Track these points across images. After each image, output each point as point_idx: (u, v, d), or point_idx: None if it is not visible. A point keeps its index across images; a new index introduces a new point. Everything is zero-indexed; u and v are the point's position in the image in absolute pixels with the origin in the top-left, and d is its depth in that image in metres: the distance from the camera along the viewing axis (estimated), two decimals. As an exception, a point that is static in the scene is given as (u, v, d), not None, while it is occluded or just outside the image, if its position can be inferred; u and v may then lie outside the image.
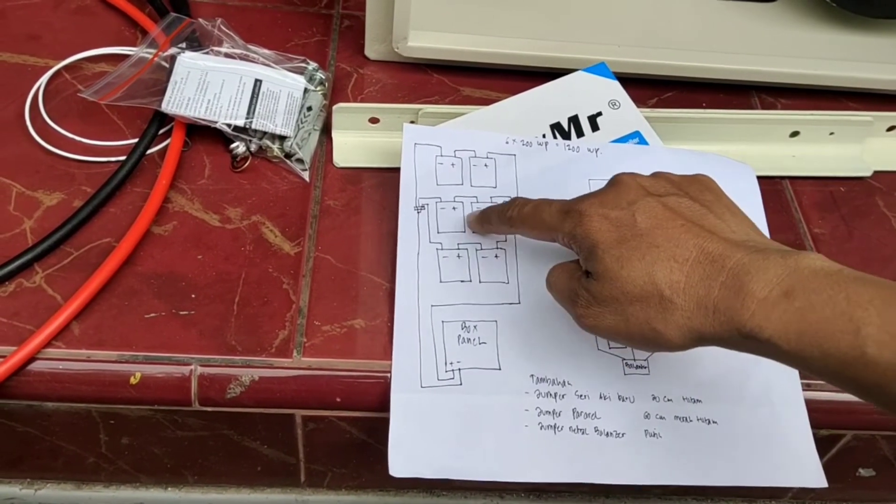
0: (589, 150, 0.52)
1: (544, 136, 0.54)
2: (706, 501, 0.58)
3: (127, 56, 0.56)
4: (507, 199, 0.47)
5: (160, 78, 0.54)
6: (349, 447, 0.50)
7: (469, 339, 0.46)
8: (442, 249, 0.49)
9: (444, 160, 0.51)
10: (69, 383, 0.44)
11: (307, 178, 0.53)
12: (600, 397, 0.46)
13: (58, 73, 0.57)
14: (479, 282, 0.48)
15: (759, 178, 0.54)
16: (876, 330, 0.31)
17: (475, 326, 0.47)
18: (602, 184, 0.42)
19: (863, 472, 0.55)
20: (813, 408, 0.47)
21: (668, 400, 0.46)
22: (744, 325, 0.34)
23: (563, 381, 0.46)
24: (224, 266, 0.48)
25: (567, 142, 0.53)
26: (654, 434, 0.45)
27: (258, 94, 0.54)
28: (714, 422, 0.46)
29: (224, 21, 0.57)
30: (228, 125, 0.53)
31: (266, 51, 0.57)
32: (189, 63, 0.54)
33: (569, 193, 0.43)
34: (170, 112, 0.53)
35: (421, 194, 0.50)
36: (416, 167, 0.51)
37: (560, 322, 0.47)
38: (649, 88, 0.61)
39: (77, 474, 0.53)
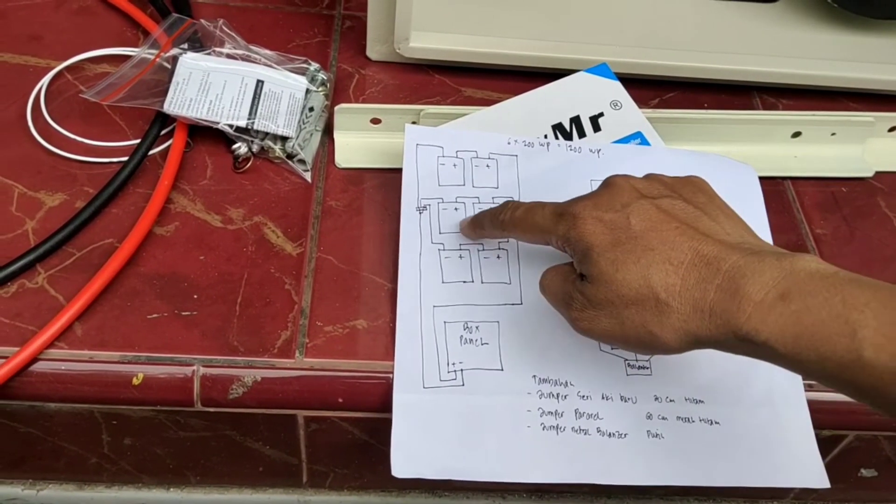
0: (591, 150, 0.53)
1: (546, 136, 0.54)
2: (708, 502, 0.58)
3: (129, 57, 0.56)
4: (500, 203, 0.46)
5: (162, 79, 0.54)
6: (351, 448, 0.50)
7: (471, 340, 0.46)
8: (444, 250, 0.49)
9: (445, 161, 0.51)
10: (71, 384, 0.44)
11: (309, 179, 0.53)
12: (602, 398, 0.46)
13: (60, 73, 0.57)
14: (482, 282, 0.48)
15: (760, 178, 0.54)
16: (872, 333, 0.31)
17: (477, 327, 0.47)
18: (603, 185, 0.42)
19: (865, 472, 0.55)
20: (815, 408, 0.47)
21: (671, 401, 0.46)
22: (740, 329, 0.34)
23: (566, 382, 0.46)
24: (226, 267, 0.48)
25: (569, 142, 0.53)
26: (657, 435, 0.45)
27: (260, 95, 0.54)
28: (716, 422, 0.46)
29: (226, 22, 0.57)
30: (230, 126, 0.53)
31: (268, 51, 0.57)
32: (191, 64, 0.54)
33: (570, 194, 0.43)
34: (172, 113, 0.53)
35: (423, 195, 0.50)
36: (418, 168, 0.51)
37: (562, 323, 0.47)
38: (651, 89, 0.61)
39: (79, 475, 0.53)
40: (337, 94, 0.59)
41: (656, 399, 0.46)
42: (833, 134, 0.59)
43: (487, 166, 0.52)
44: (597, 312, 0.38)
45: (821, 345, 0.32)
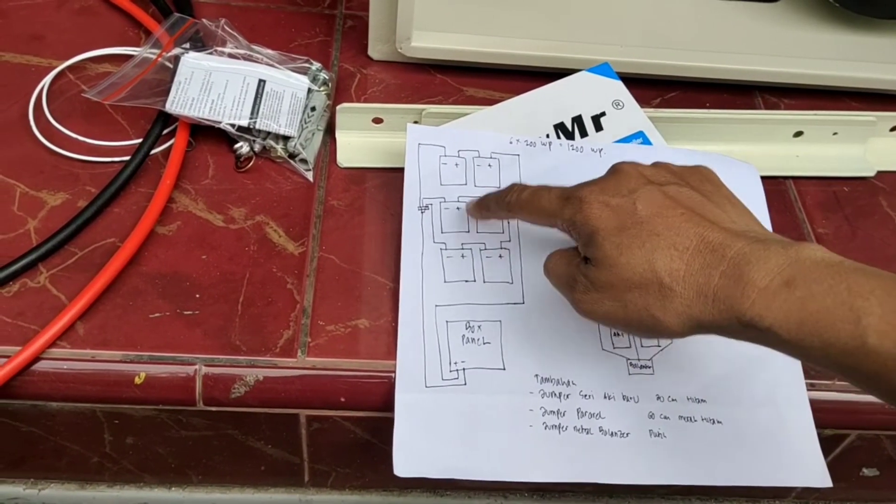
0: (593, 150, 0.53)
1: (548, 136, 0.54)
2: (710, 501, 0.58)
3: (131, 56, 0.56)
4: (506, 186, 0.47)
5: (164, 78, 0.54)
6: (353, 447, 0.50)
7: (473, 339, 0.46)
8: (446, 249, 0.49)
9: (447, 160, 0.51)
10: (73, 383, 0.44)
11: (311, 179, 0.53)
12: (605, 397, 0.46)
13: (61, 73, 0.57)
14: (484, 281, 0.48)
15: (762, 178, 0.54)
16: (877, 320, 0.31)
17: (479, 326, 0.47)
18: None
19: (867, 471, 0.55)
20: (817, 408, 0.47)
21: (673, 400, 0.46)
22: (744, 314, 0.34)
23: (568, 381, 0.46)
24: (228, 266, 0.48)
25: (571, 142, 0.53)
26: (659, 434, 0.45)
27: (262, 95, 0.54)
28: (718, 422, 0.46)
29: (228, 21, 0.57)
30: (232, 125, 0.53)
31: (270, 51, 0.57)
32: (193, 63, 0.54)
33: (572, 193, 0.43)
34: (174, 112, 0.53)
35: (425, 194, 0.50)
36: (420, 167, 0.51)
37: (564, 322, 0.47)
38: (653, 88, 0.61)
39: (81, 474, 0.53)
40: (339, 93, 0.59)
41: (658, 398, 0.46)
42: (835, 133, 0.59)
43: (489, 166, 0.52)
44: (600, 295, 0.38)
45: (825, 331, 0.32)
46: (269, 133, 0.53)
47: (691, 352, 0.48)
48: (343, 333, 0.46)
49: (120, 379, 0.44)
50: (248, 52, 0.57)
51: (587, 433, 0.45)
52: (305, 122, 0.55)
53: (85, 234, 0.49)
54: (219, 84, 0.54)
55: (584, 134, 0.54)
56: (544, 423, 0.45)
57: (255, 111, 0.53)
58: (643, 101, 0.56)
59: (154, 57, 0.55)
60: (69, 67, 0.57)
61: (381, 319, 0.47)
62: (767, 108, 0.62)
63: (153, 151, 0.53)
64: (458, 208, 0.50)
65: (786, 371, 0.48)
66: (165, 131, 0.54)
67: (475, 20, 0.61)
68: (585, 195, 0.39)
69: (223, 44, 0.57)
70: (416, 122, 0.54)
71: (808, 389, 0.47)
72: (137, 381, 0.44)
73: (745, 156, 0.56)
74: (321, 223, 0.51)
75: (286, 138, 0.54)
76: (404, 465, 0.43)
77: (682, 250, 0.36)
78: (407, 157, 0.51)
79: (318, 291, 0.48)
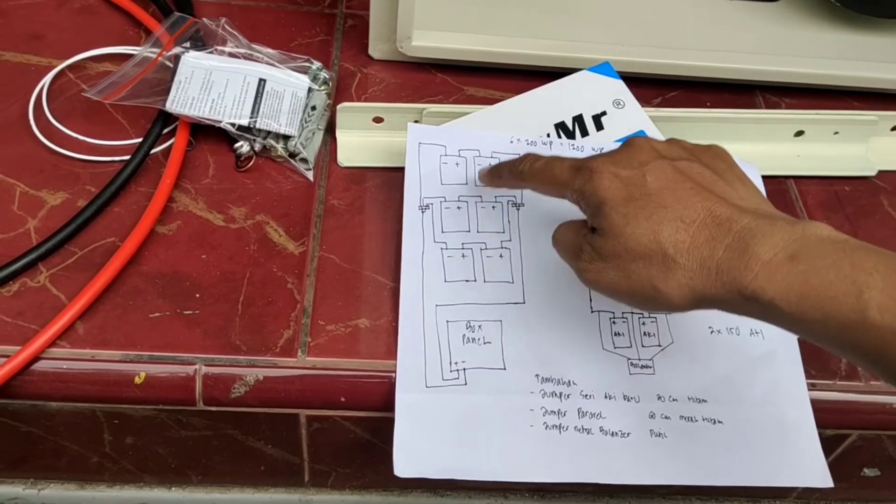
0: (593, 149, 0.52)
1: (549, 135, 0.54)
2: (711, 501, 0.58)
3: (131, 55, 0.56)
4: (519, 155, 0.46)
5: (164, 77, 0.54)
6: (353, 447, 0.50)
7: (474, 339, 0.46)
8: (446, 249, 0.49)
9: (448, 160, 0.51)
10: (73, 383, 0.44)
11: (311, 178, 0.53)
12: (605, 397, 0.46)
13: (61, 72, 0.57)
14: (484, 281, 0.48)
15: (763, 177, 0.54)
16: (879, 294, 0.31)
17: (480, 326, 0.47)
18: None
19: (868, 471, 0.55)
20: (818, 408, 0.47)
21: (674, 400, 0.46)
22: (746, 287, 0.34)
23: (568, 381, 0.46)
24: (228, 266, 0.48)
25: (571, 141, 0.53)
26: (660, 434, 0.45)
27: (262, 94, 0.54)
28: (719, 422, 0.46)
29: (228, 20, 0.57)
30: (232, 124, 0.53)
31: (270, 50, 0.57)
32: (193, 62, 0.54)
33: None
34: (174, 111, 0.53)
35: (425, 194, 0.50)
36: (421, 166, 0.51)
37: (565, 321, 0.47)
38: (653, 88, 0.61)
39: (81, 474, 0.53)
40: (339, 92, 0.59)
41: (659, 398, 0.46)
42: (836, 133, 0.59)
43: (490, 165, 0.51)
44: (604, 265, 0.38)
45: (826, 304, 0.32)
46: (269, 132, 0.53)
47: (692, 352, 0.48)
48: (343, 333, 0.46)
49: (120, 379, 0.44)
50: (249, 52, 0.57)
51: (588, 433, 0.45)
52: (306, 122, 0.55)
53: (85, 234, 0.49)
54: (219, 83, 0.54)
55: (584, 133, 0.54)
56: (545, 423, 0.45)
57: (255, 110, 0.53)
58: (644, 101, 0.56)
59: (154, 56, 0.55)
60: (69, 67, 0.57)
61: (382, 319, 0.47)
62: (768, 107, 0.62)
63: (153, 151, 0.53)
64: (458, 208, 0.50)
65: (787, 371, 0.48)
66: (165, 131, 0.54)
67: (476, 19, 0.61)
68: (597, 166, 0.39)
69: (223, 43, 0.57)
70: (416, 122, 0.54)
71: (809, 389, 0.47)
72: (137, 380, 0.44)
73: (746, 155, 0.55)
74: (321, 223, 0.51)
75: (286, 137, 0.54)
76: (404, 465, 0.43)
77: (689, 223, 0.36)
78: (407, 156, 0.51)
79: (318, 291, 0.48)
